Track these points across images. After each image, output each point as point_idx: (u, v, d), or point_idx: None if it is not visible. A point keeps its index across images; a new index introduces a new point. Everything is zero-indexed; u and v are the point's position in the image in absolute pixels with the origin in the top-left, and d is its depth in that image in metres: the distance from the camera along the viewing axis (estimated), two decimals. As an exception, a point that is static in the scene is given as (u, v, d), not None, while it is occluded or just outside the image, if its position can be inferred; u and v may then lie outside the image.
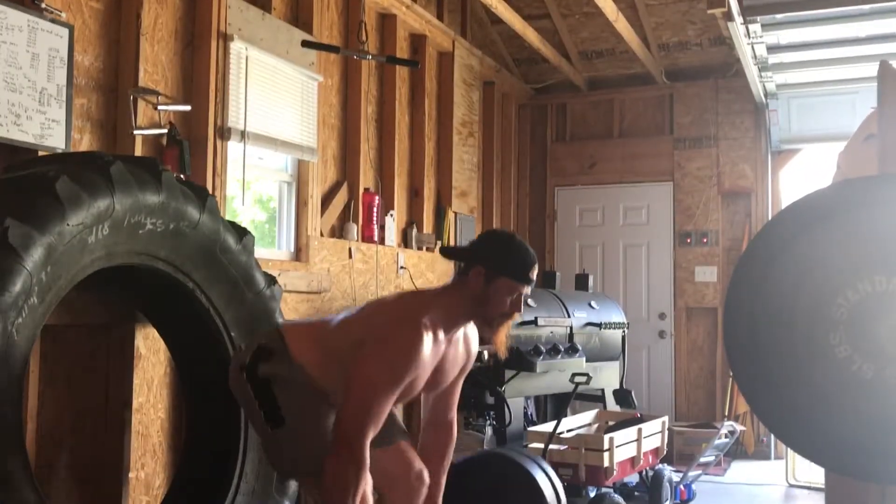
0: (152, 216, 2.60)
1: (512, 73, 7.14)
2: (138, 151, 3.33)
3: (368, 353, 2.32)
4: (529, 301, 4.81)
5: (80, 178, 2.38)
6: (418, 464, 2.64)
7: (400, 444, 2.64)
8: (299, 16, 4.47)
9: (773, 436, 6.15)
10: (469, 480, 3.42)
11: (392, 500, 2.59)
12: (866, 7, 4.74)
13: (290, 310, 4.05)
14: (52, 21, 2.98)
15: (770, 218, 5.99)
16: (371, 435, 2.29)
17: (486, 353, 4.24)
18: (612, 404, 5.29)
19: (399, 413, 2.72)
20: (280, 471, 2.56)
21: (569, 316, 5.02)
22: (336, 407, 2.35)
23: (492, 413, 4.41)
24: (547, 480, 3.52)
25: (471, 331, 2.60)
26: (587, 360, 4.86)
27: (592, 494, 4.22)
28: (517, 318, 2.52)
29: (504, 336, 2.51)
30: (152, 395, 3.38)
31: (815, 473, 4.94)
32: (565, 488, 4.34)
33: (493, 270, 2.41)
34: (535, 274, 2.47)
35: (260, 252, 3.60)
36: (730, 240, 6.78)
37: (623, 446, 4.24)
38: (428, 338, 2.34)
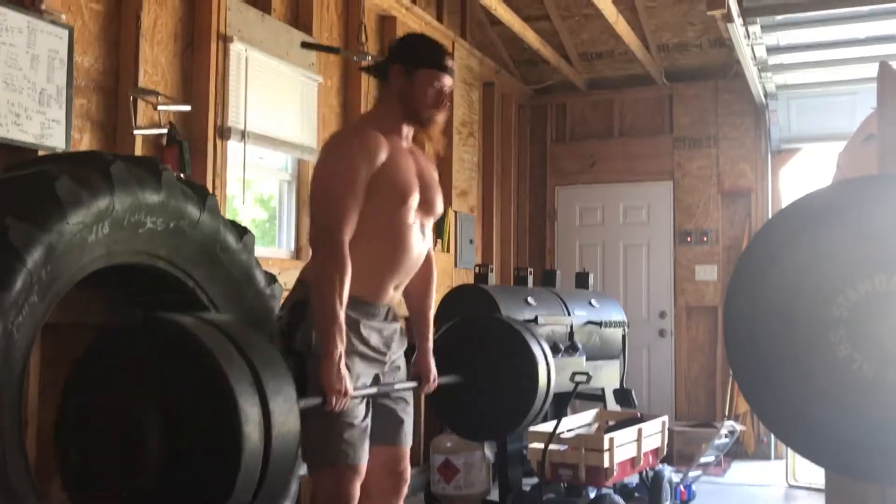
0: (152, 215, 2.60)
1: (512, 74, 7.15)
2: (138, 151, 3.33)
3: (317, 168, 2.50)
4: (530, 299, 4.81)
5: (80, 177, 2.38)
6: (403, 464, 2.66)
7: (400, 448, 2.65)
8: (299, 17, 4.48)
9: (773, 436, 6.15)
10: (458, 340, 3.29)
11: (371, 497, 2.58)
12: (865, 8, 4.74)
13: (290, 310, 4.04)
14: (52, 22, 2.98)
15: (770, 217, 5.99)
16: (346, 233, 2.34)
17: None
18: (612, 403, 5.29)
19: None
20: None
21: (569, 314, 5.02)
22: None
23: (492, 413, 4.40)
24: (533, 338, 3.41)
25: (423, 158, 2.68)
26: (587, 359, 4.86)
27: (592, 495, 4.22)
28: (445, 112, 2.60)
29: (439, 133, 2.62)
30: (152, 395, 3.38)
31: (815, 473, 4.94)
32: (565, 488, 4.34)
33: (410, 64, 2.50)
34: (451, 63, 2.55)
35: (260, 251, 3.60)
36: (730, 239, 6.79)
37: (623, 446, 4.24)
38: (371, 134, 2.44)
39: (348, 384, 2.30)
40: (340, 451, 2.39)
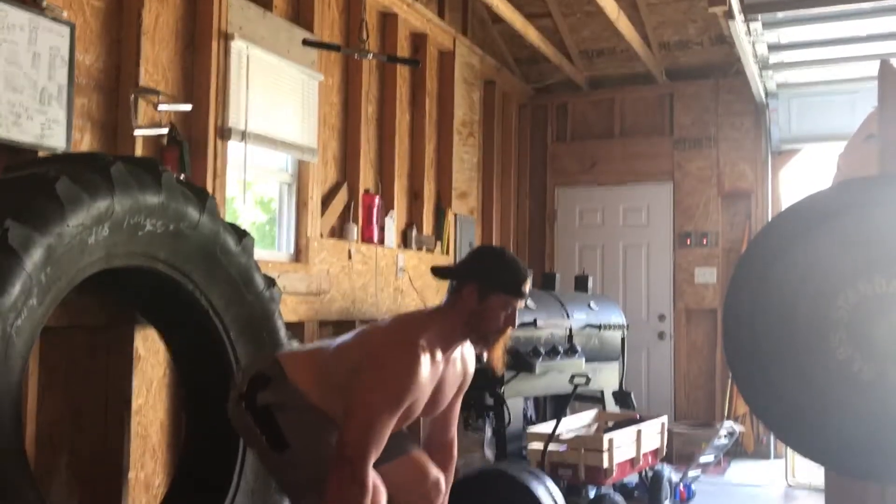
0: (152, 217, 2.60)
1: (513, 72, 7.14)
2: (138, 152, 3.32)
3: (366, 379, 2.31)
4: (529, 303, 4.81)
5: (81, 178, 2.38)
6: (435, 472, 2.63)
7: (412, 455, 2.63)
8: (300, 14, 4.47)
9: (772, 436, 6.15)
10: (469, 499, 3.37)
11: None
12: (867, 5, 4.73)
13: (289, 311, 4.04)
14: (54, 20, 2.97)
15: (770, 219, 5.99)
16: (373, 459, 2.29)
17: (485, 355, 4.24)
18: (611, 405, 5.29)
19: None
20: (291, 495, 2.54)
21: (568, 317, 5.01)
22: (339, 429, 2.34)
23: (491, 414, 4.40)
24: (547, 494, 3.50)
25: (467, 350, 2.59)
26: (586, 362, 4.86)
27: (592, 495, 4.22)
28: (511, 332, 2.51)
29: (500, 352, 2.52)
30: (151, 396, 3.38)
31: (815, 473, 4.93)
32: (565, 489, 4.34)
33: (486, 286, 2.41)
34: (528, 287, 2.47)
35: (260, 253, 3.60)
36: (730, 241, 6.78)
37: (622, 447, 4.24)
38: (425, 359, 2.34)
39: None
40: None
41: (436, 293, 5.41)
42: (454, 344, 2.46)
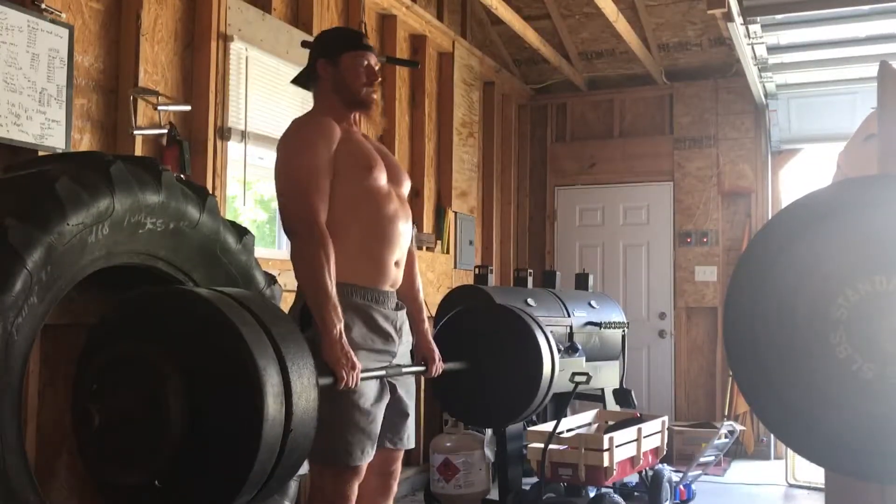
0: (152, 216, 2.60)
1: (512, 73, 7.14)
2: (138, 151, 3.33)
3: (279, 153, 2.47)
4: (529, 300, 4.81)
5: (80, 177, 2.38)
6: (395, 465, 2.66)
7: (397, 452, 2.64)
8: (299, 16, 4.47)
9: (773, 436, 6.15)
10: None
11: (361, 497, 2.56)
12: (866, 7, 4.74)
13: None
14: (52, 21, 2.98)
15: (770, 218, 5.99)
16: (321, 210, 2.36)
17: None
18: (611, 404, 5.29)
19: None
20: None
21: (569, 315, 5.02)
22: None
23: (492, 413, 4.40)
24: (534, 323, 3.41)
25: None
26: (587, 360, 4.86)
27: (592, 494, 4.23)
28: (378, 83, 2.65)
29: (378, 113, 2.73)
30: (152, 395, 3.38)
31: (815, 473, 4.94)
32: (565, 488, 4.35)
33: (330, 53, 2.56)
34: (367, 40, 2.61)
35: (260, 252, 3.60)
36: (730, 240, 6.79)
37: (623, 446, 4.24)
38: (322, 117, 2.49)
39: (354, 358, 2.29)
40: (344, 452, 2.37)
41: (436, 291, 5.42)
42: (340, 114, 2.55)
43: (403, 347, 2.63)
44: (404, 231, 2.58)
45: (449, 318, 3.22)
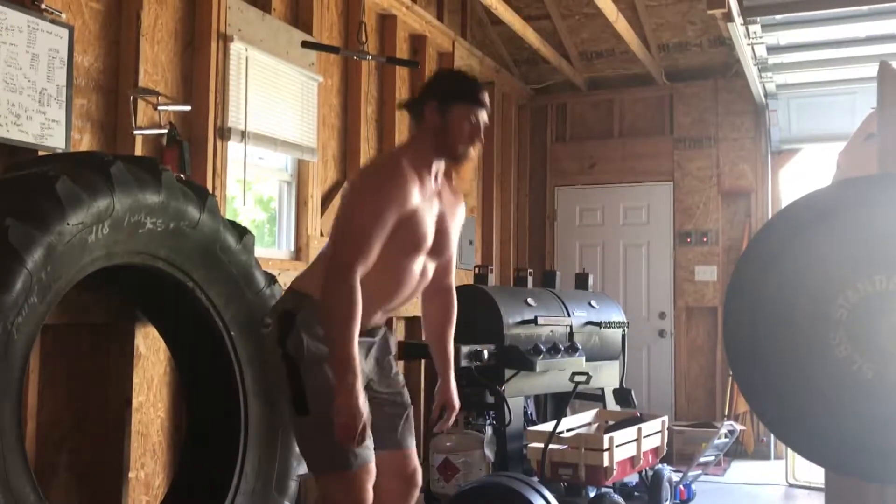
0: (152, 216, 2.60)
1: (512, 73, 7.15)
2: (138, 151, 3.33)
3: (349, 191, 2.44)
4: (529, 300, 4.81)
5: (80, 177, 2.38)
6: (414, 463, 2.63)
7: (405, 450, 2.62)
8: (299, 16, 4.47)
9: (772, 436, 6.15)
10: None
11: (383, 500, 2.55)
12: (865, 8, 4.75)
13: (290, 310, 4.04)
14: (52, 22, 2.98)
15: (770, 218, 5.99)
16: (361, 266, 2.31)
17: (485, 353, 4.23)
18: (611, 404, 5.29)
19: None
20: (307, 458, 2.55)
21: (569, 315, 5.02)
22: None
23: (492, 412, 4.41)
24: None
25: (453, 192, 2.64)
26: (587, 360, 4.86)
27: (592, 494, 4.22)
28: (479, 146, 2.55)
29: (470, 170, 2.59)
30: (152, 395, 3.39)
31: (815, 473, 4.93)
32: (565, 488, 4.34)
33: (445, 100, 2.46)
34: (485, 97, 2.51)
35: (260, 251, 3.60)
36: (730, 240, 6.79)
37: (623, 446, 4.24)
38: (408, 170, 2.39)
39: (367, 419, 2.27)
40: (345, 458, 2.33)
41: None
42: (428, 160, 2.49)
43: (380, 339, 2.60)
44: (411, 295, 2.55)
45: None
